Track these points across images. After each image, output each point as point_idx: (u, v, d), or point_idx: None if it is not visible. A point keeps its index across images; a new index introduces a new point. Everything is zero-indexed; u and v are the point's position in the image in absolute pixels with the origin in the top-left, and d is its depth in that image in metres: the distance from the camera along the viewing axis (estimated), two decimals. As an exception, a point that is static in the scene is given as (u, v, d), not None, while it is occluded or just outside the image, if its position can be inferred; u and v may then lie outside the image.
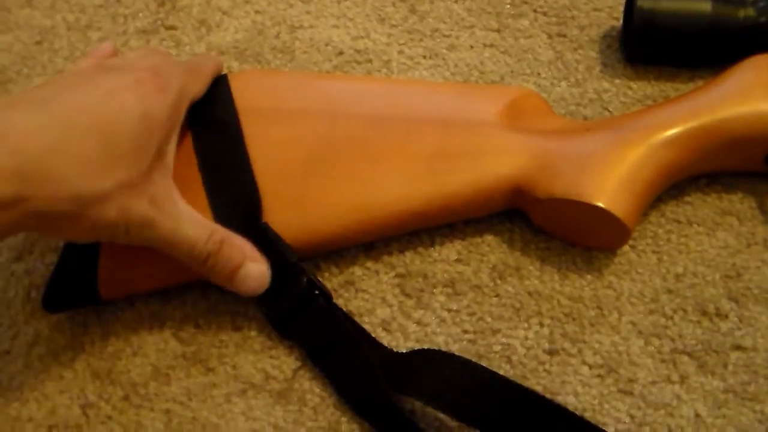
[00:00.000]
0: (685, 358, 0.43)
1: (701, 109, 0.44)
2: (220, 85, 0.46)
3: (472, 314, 0.44)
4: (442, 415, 0.40)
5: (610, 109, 0.51)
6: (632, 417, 0.41)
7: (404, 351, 0.42)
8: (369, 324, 0.44)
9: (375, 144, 0.45)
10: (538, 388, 0.42)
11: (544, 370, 0.42)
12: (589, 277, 0.45)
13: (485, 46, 0.54)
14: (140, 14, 0.57)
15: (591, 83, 0.52)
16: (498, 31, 0.55)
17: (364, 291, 0.45)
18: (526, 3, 0.56)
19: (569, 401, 0.42)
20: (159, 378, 0.43)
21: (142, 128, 0.37)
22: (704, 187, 0.48)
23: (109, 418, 0.42)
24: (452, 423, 0.41)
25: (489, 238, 0.46)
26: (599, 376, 0.42)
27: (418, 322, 0.44)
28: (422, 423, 0.41)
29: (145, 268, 0.43)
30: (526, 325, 0.44)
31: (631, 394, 0.42)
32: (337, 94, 0.47)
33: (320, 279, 0.44)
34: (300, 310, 0.42)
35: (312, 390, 0.42)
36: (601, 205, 0.42)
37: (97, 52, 0.44)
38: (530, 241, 0.46)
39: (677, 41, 0.50)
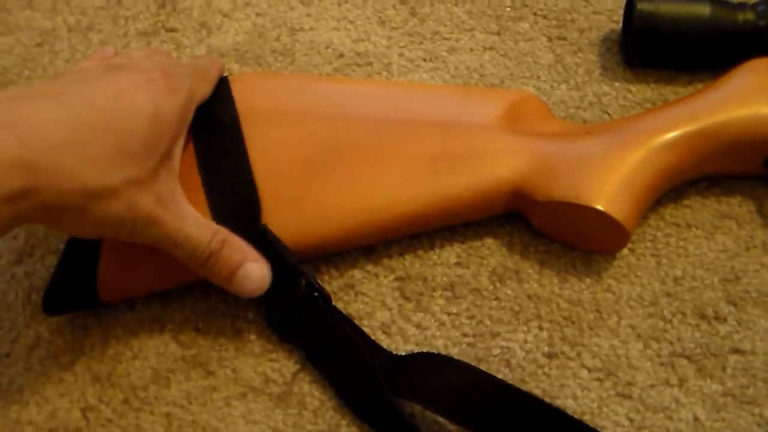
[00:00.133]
0: (684, 362, 0.43)
1: (700, 112, 0.45)
2: (220, 88, 0.46)
3: (471, 317, 0.44)
4: (441, 419, 0.40)
5: (610, 113, 0.51)
6: (631, 420, 0.41)
7: (404, 354, 0.42)
8: (369, 327, 0.44)
9: (375, 147, 0.45)
10: (537, 392, 0.42)
11: (543, 373, 0.43)
12: (588, 280, 0.45)
13: (485, 49, 0.54)
14: (141, 16, 0.57)
15: (591, 86, 0.52)
16: (498, 34, 0.55)
17: (363, 294, 0.45)
18: (526, 6, 0.56)
19: (568, 404, 0.42)
20: (159, 381, 0.43)
21: (152, 127, 0.38)
22: (703, 190, 0.48)
23: (109, 421, 0.42)
24: (451, 427, 0.41)
25: (488, 241, 0.46)
26: (598, 379, 0.42)
27: (418, 326, 0.44)
28: (422, 426, 0.41)
29: (145, 271, 0.43)
30: (525, 328, 0.44)
31: (629, 397, 0.42)
32: (337, 96, 0.47)
33: (320, 282, 0.44)
34: (299, 312, 0.42)
35: (312, 393, 0.42)
36: (600, 208, 0.42)
37: (98, 54, 0.44)
38: (529, 245, 0.46)
39: (677, 44, 0.50)
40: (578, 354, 0.43)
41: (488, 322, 0.44)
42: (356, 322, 0.44)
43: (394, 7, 0.56)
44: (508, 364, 0.43)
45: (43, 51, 0.55)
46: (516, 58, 0.54)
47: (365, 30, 0.55)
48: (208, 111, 0.45)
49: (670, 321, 0.44)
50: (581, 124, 0.50)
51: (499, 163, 0.44)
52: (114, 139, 0.36)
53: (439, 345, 0.43)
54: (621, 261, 0.46)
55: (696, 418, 0.41)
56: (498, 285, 0.45)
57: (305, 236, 0.43)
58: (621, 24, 0.54)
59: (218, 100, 0.46)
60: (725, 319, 0.44)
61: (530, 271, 0.45)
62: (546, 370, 0.43)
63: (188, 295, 0.45)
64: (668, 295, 0.45)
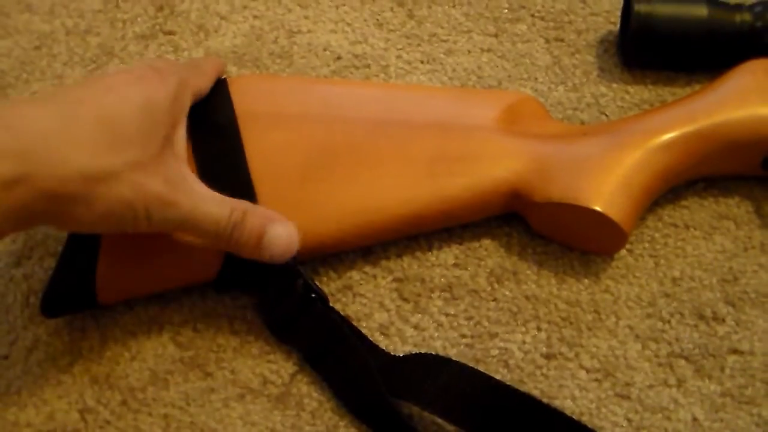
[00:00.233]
0: (682, 362, 0.43)
1: (698, 113, 0.45)
2: (219, 90, 0.46)
3: (469, 318, 0.44)
4: (439, 420, 0.40)
5: (607, 114, 0.51)
6: (629, 421, 0.41)
7: (402, 355, 0.42)
8: (367, 328, 0.44)
9: (373, 148, 0.45)
10: (536, 393, 0.42)
11: (542, 374, 0.43)
12: (586, 281, 0.45)
13: (483, 50, 0.54)
14: (139, 19, 0.57)
15: (588, 88, 0.52)
16: (495, 35, 0.55)
17: (362, 295, 0.45)
18: (523, 8, 0.56)
19: (566, 405, 0.42)
20: (157, 383, 0.43)
21: (146, 115, 0.37)
22: (701, 191, 0.48)
23: (108, 422, 0.42)
24: (449, 428, 0.41)
25: (486, 242, 0.46)
26: (596, 380, 0.42)
27: (416, 327, 0.44)
28: (420, 427, 0.41)
29: (143, 272, 0.43)
30: (523, 329, 0.44)
31: (628, 398, 0.42)
32: (335, 99, 0.47)
33: (318, 283, 0.44)
34: (297, 314, 0.42)
35: (310, 394, 0.42)
36: (598, 209, 0.42)
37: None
38: (528, 246, 0.46)
39: (674, 46, 0.50)
40: (576, 355, 0.43)
41: (486, 323, 0.44)
42: (354, 323, 0.44)
43: (391, 9, 0.56)
44: (507, 365, 0.43)
45: (41, 54, 0.55)
46: (513, 60, 0.54)
47: (363, 32, 0.55)
48: (207, 113, 0.45)
49: (669, 321, 0.44)
50: (579, 125, 0.50)
51: (496, 165, 0.44)
52: (106, 128, 0.36)
53: (437, 346, 0.43)
54: (619, 262, 0.46)
55: (694, 419, 0.41)
56: (496, 286, 0.45)
57: (303, 238, 0.43)
58: (618, 25, 0.54)
59: (216, 102, 0.46)
60: (723, 320, 0.44)
61: (528, 272, 0.45)
62: (544, 370, 0.43)
63: (186, 297, 0.45)
64: (666, 295, 0.45)
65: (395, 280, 0.45)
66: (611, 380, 0.42)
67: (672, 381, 0.42)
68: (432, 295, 0.45)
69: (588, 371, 0.43)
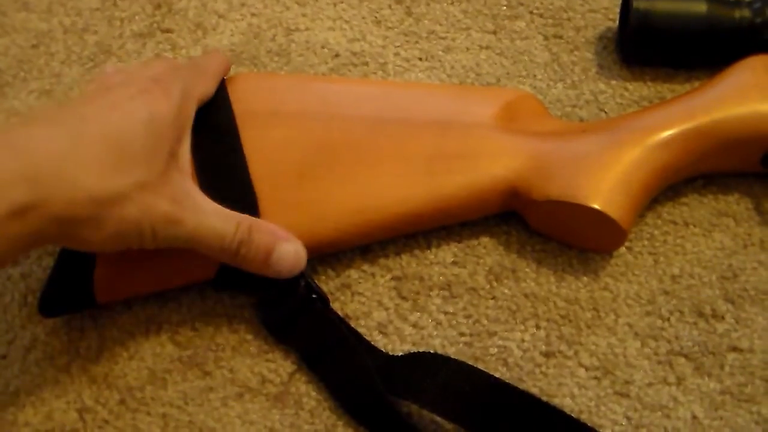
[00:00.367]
0: (682, 360, 0.43)
1: (697, 110, 0.44)
2: (217, 89, 0.46)
3: (468, 317, 0.44)
4: (438, 419, 0.40)
5: (606, 111, 0.51)
6: (629, 419, 0.41)
7: (400, 354, 0.42)
8: (365, 327, 0.44)
9: (371, 146, 0.45)
10: (535, 391, 0.42)
11: (541, 372, 0.42)
12: (585, 279, 0.45)
13: (481, 48, 0.54)
14: (136, 17, 0.57)
15: (587, 85, 0.52)
16: (494, 32, 0.55)
17: (360, 294, 0.45)
18: (522, 4, 0.56)
19: (566, 403, 0.42)
20: (155, 382, 0.43)
21: (150, 132, 0.38)
22: (701, 188, 0.48)
23: (106, 422, 0.42)
24: (448, 426, 0.41)
25: (485, 240, 0.46)
26: (596, 378, 0.42)
27: (415, 325, 0.44)
28: (419, 426, 0.41)
29: (141, 272, 0.43)
30: (522, 327, 0.44)
31: (627, 396, 0.42)
32: (333, 96, 0.47)
33: (316, 282, 0.44)
34: (298, 314, 0.42)
35: (308, 393, 0.42)
36: (596, 206, 0.42)
37: (101, 76, 0.44)
38: (526, 243, 0.46)
39: (673, 42, 0.50)
40: (576, 353, 0.43)
41: (485, 322, 0.44)
42: (353, 322, 0.44)
43: (389, 6, 0.56)
44: (506, 363, 0.43)
45: (39, 52, 0.55)
46: (512, 57, 0.54)
47: (361, 30, 0.55)
48: (205, 112, 0.45)
49: (668, 319, 0.44)
50: (578, 122, 0.50)
51: (495, 163, 0.44)
52: (113, 148, 0.36)
53: (436, 344, 0.43)
54: (618, 259, 0.46)
55: (694, 417, 0.41)
56: (495, 284, 0.45)
57: (302, 236, 0.43)
58: (617, 22, 0.54)
59: (215, 101, 0.45)
60: (723, 317, 0.44)
61: (527, 270, 0.45)
62: (543, 369, 0.43)
63: (185, 296, 0.45)
64: (666, 293, 0.45)
65: (394, 278, 0.45)
66: (610, 378, 0.42)
67: (671, 379, 0.42)
68: (431, 293, 0.45)
69: (587, 369, 0.43)
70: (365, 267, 0.46)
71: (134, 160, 0.36)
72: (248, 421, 0.42)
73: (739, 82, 0.45)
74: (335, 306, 0.44)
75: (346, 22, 0.56)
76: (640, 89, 0.52)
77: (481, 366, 0.42)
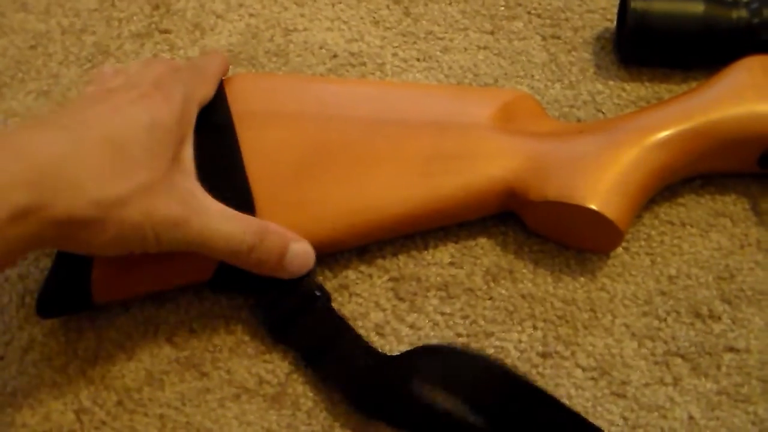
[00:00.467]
0: (679, 360, 0.43)
1: (694, 110, 0.44)
2: (216, 90, 0.46)
3: (465, 317, 0.44)
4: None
5: (604, 111, 0.51)
6: (625, 419, 0.41)
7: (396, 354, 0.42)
8: (363, 328, 0.44)
9: (369, 147, 0.45)
10: (532, 391, 0.42)
11: (538, 372, 0.43)
12: (582, 279, 0.45)
13: (479, 48, 0.54)
14: (134, 18, 0.57)
15: (585, 85, 0.52)
16: (492, 33, 0.55)
17: (357, 295, 0.45)
18: (520, 5, 0.56)
19: (563, 404, 0.42)
20: (153, 383, 0.43)
21: (152, 136, 0.38)
22: (698, 188, 0.48)
23: (103, 423, 0.42)
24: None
25: (482, 241, 0.46)
26: (592, 378, 0.42)
27: (412, 326, 0.44)
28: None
29: (139, 273, 0.43)
30: (519, 328, 0.44)
31: (624, 396, 0.42)
32: (331, 97, 0.47)
33: (320, 283, 0.44)
34: (300, 311, 0.42)
35: (305, 394, 0.42)
36: (593, 207, 0.42)
37: (99, 77, 0.44)
38: (523, 244, 0.46)
39: (670, 42, 0.50)
40: (573, 353, 0.43)
41: (482, 322, 0.44)
42: (350, 323, 0.44)
43: (387, 7, 0.56)
44: (503, 364, 0.43)
45: (37, 53, 0.55)
46: (510, 57, 0.54)
47: (359, 30, 0.55)
48: (203, 113, 0.45)
49: (665, 320, 0.44)
50: (575, 123, 0.50)
51: (492, 163, 0.44)
52: (115, 152, 0.36)
53: (433, 345, 0.43)
54: (615, 260, 0.46)
55: (690, 417, 0.41)
56: (492, 285, 0.45)
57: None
58: (615, 22, 0.54)
59: (213, 102, 0.45)
60: (720, 318, 0.44)
61: (524, 270, 0.45)
62: (540, 369, 0.43)
63: (182, 297, 0.45)
64: (663, 293, 0.45)
65: (391, 279, 0.45)
66: (607, 379, 0.42)
67: (668, 379, 0.42)
68: (428, 294, 0.45)
69: (584, 370, 0.43)
70: (362, 268, 0.46)
71: (136, 163, 0.36)
72: (245, 422, 0.42)
73: (736, 82, 0.45)
74: (333, 307, 0.44)
75: (345, 22, 0.56)
76: (638, 89, 0.52)
77: (478, 367, 0.42)
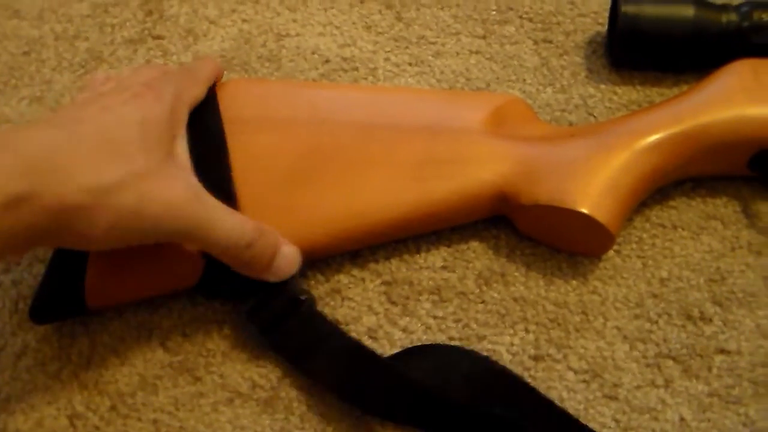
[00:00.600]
0: (670, 362, 0.43)
1: (684, 114, 0.45)
2: (207, 94, 0.46)
3: (457, 321, 0.44)
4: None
5: (596, 115, 0.51)
6: (617, 422, 0.41)
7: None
8: (355, 332, 0.44)
9: (361, 152, 0.45)
10: (524, 394, 0.42)
11: (530, 375, 0.43)
12: (574, 282, 0.45)
13: (471, 52, 0.54)
14: (127, 24, 0.57)
15: (576, 89, 0.52)
16: (484, 37, 0.55)
17: (350, 299, 0.45)
18: (511, 9, 0.56)
19: (555, 407, 0.42)
20: (146, 388, 0.43)
21: (144, 131, 0.38)
22: (689, 191, 0.48)
23: (97, 428, 0.42)
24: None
25: (474, 244, 0.47)
26: (584, 381, 0.42)
27: (404, 330, 0.44)
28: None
29: (133, 279, 0.43)
30: (511, 331, 0.44)
31: (616, 398, 0.42)
32: (323, 102, 0.47)
33: (306, 287, 0.44)
34: (287, 315, 0.42)
35: (298, 398, 0.42)
36: (584, 211, 0.42)
37: (91, 83, 0.44)
38: (516, 248, 0.46)
39: (661, 46, 0.50)
40: (564, 356, 0.43)
41: (474, 326, 0.44)
42: (343, 326, 0.44)
43: (379, 12, 0.56)
44: (495, 367, 0.43)
45: (30, 59, 0.55)
46: (502, 62, 0.54)
47: (351, 35, 0.55)
48: (194, 117, 0.45)
49: (656, 322, 0.44)
50: (566, 127, 0.51)
51: (483, 168, 0.44)
52: (107, 145, 0.36)
53: (426, 349, 0.44)
54: (607, 263, 0.46)
55: (682, 419, 0.41)
56: (484, 288, 0.45)
57: (292, 242, 0.43)
58: (606, 26, 0.54)
59: (204, 106, 0.46)
60: (711, 320, 0.44)
61: (516, 274, 0.46)
62: (532, 372, 0.43)
63: (175, 302, 0.45)
64: (654, 296, 0.45)
65: (383, 283, 0.46)
66: (599, 381, 0.42)
67: (659, 381, 0.42)
68: (420, 297, 0.45)
69: (576, 372, 0.43)
70: (355, 272, 0.46)
71: (129, 154, 0.36)
72: (239, 427, 0.42)
73: (726, 85, 0.46)
74: (325, 311, 0.44)
75: (337, 27, 0.56)
76: (629, 93, 0.52)
77: (470, 370, 0.42)
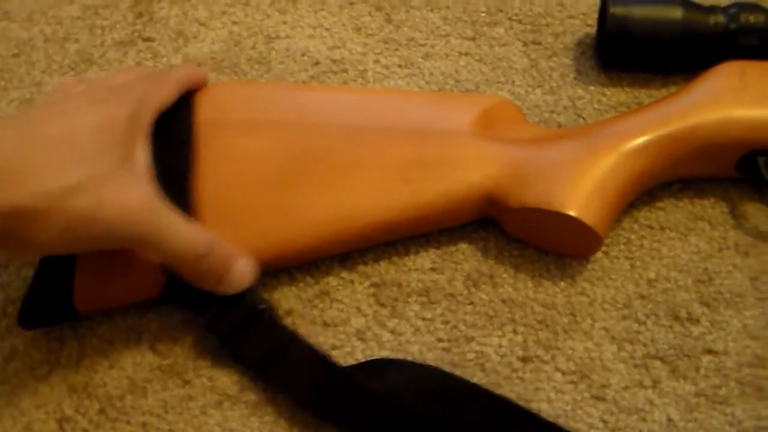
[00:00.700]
0: (657, 363, 0.43)
1: (672, 116, 0.45)
2: (180, 99, 0.45)
3: (446, 322, 0.44)
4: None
5: (584, 116, 0.51)
6: (605, 422, 0.41)
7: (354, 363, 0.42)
8: (344, 334, 0.44)
9: (350, 154, 0.45)
10: (512, 396, 0.42)
11: (518, 377, 0.43)
12: (562, 284, 0.45)
13: (460, 54, 0.55)
14: (117, 26, 0.57)
15: (565, 90, 0.52)
16: (473, 39, 0.55)
17: (339, 301, 0.45)
18: (501, 11, 0.56)
19: (543, 408, 0.42)
20: (135, 391, 0.43)
21: (102, 135, 0.38)
22: (677, 192, 0.48)
23: (86, 431, 0.42)
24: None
25: (463, 246, 0.47)
26: (572, 382, 0.43)
27: (393, 332, 0.44)
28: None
29: (122, 283, 0.43)
30: (499, 332, 0.44)
31: (603, 399, 0.42)
32: (312, 104, 0.47)
33: (295, 289, 0.44)
34: (248, 324, 0.42)
35: (287, 401, 0.42)
36: (572, 213, 0.42)
37: (62, 87, 0.44)
38: (504, 250, 0.46)
39: (650, 48, 0.51)
40: (552, 357, 0.43)
41: (463, 327, 0.44)
42: (331, 329, 0.44)
43: (369, 14, 0.56)
44: (483, 369, 0.43)
45: (20, 62, 0.55)
46: (491, 63, 0.54)
47: (341, 37, 0.55)
48: (163, 123, 0.43)
49: (644, 323, 0.44)
50: (555, 129, 0.51)
51: (471, 171, 0.44)
52: (61, 146, 0.36)
53: (414, 351, 0.44)
54: (595, 264, 0.46)
55: (669, 419, 0.41)
56: (473, 290, 0.45)
57: (280, 245, 0.44)
58: (595, 28, 0.54)
59: (174, 112, 0.44)
60: (698, 320, 0.44)
61: (505, 275, 0.46)
62: (520, 373, 0.43)
63: (164, 305, 0.45)
64: (642, 297, 0.45)
65: (372, 285, 0.46)
66: (587, 382, 0.43)
67: (647, 382, 0.43)
68: (409, 299, 0.45)
69: (564, 373, 0.43)
70: (344, 274, 0.46)
71: (85, 158, 0.36)
72: (228, 429, 0.42)
73: (714, 87, 0.46)
74: (314, 313, 0.44)
75: (327, 29, 0.56)
76: (618, 95, 0.52)
77: (458, 371, 0.42)
